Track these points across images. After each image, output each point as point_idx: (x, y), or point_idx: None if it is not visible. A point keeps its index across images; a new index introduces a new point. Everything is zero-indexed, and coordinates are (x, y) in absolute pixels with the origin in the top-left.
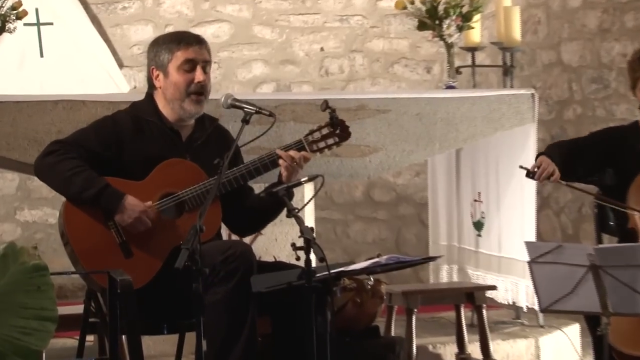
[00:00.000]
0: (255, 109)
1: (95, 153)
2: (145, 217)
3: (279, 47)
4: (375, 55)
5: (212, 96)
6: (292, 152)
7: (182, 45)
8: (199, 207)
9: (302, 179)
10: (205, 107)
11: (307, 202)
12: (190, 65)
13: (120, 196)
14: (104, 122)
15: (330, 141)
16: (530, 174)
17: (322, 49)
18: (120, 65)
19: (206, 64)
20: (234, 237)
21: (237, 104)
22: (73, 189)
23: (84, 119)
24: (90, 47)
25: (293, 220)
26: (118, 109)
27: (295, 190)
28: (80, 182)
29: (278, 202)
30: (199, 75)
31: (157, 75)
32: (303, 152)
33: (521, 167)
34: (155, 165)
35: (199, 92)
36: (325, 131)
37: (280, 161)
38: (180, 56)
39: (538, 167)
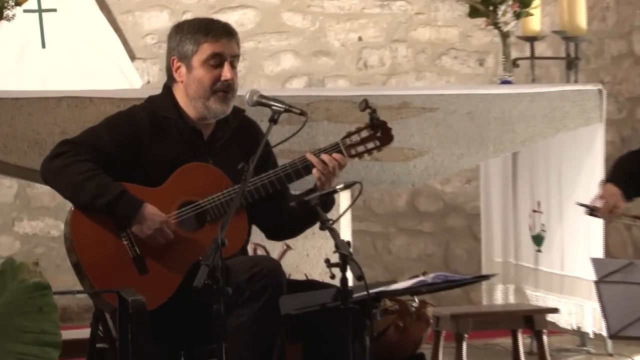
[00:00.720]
0: (284, 106)
1: (108, 155)
2: (167, 229)
3: (311, 36)
4: (421, 45)
5: (237, 92)
6: (325, 157)
7: (210, 37)
8: (222, 217)
9: (338, 187)
10: (232, 105)
11: (343, 213)
12: (217, 60)
13: (138, 204)
14: (119, 119)
15: (370, 145)
16: (590, 211)
17: (360, 39)
18: (132, 57)
19: (235, 59)
20: (260, 252)
21: (263, 101)
22: (85, 196)
23: (91, 117)
24: (98, 37)
25: (327, 233)
26: (130, 104)
27: (328, 200)
28: (93, 187)
29: (311, 212)
30: (226, 72)
31: (179, 68)
32: (338, 156)
33: (579, 204)
34: (174, 170)
35: (226, 89)
36: (364, 134)
37: (318, 164)
38: (206, 49)
39: (598, 203)
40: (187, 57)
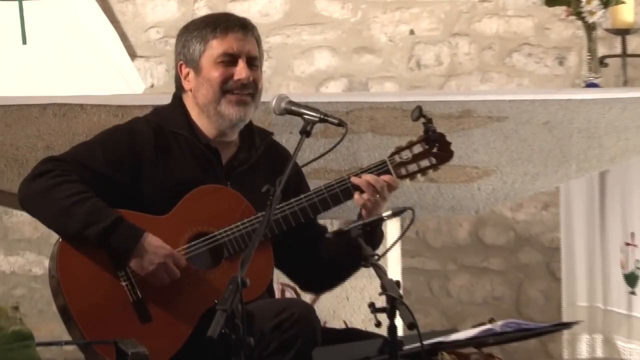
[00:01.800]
0: (319, 115)
1: (103, 176)
2: (173, 264)
3: (351, 29)
4: (487, 40)
5: (261, 98)
6: (370, 178)
7: (218, 31)
8: (242, 252)
9: (385, 214)
10: (252, 113)
11: (391, 246)
12: (229, 58)
13: (138, 234)
14: (117, 133)
15: (425, 163)
16: None
17: (412, 32)
18: (133, 55)
19: (254, 60)
20: (290, 294)
21: (293, 108)
22: (73, 224)
23: (83, 129)
24: (90, 31)
25: (371, 271)
26: (130, 116)
27: (374, 230)
28: (83, 213)
29: (351, 246)
30: (240, 70)
31: (187, 74)
32: (387, 177)
33: None
34: (183, 195)
35: (240, 90)
36: (417, 149)
37: (362, 182)
38: (215, 46)
39: None
40: (194, 59)
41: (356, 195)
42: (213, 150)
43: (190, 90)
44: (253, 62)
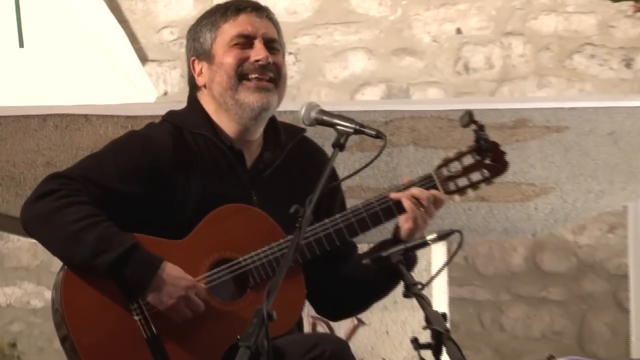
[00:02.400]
0: (353, 126)
1: (116, 193)
2: (195, 296)
3: (390, 28)
4: (544, 40)
5: (287, 106)
6: (416, 192)
7: (229, 13)
8: (269, 281)
9: (429, 237)
10: (276, 104)
11: (437, 273)
12: (244, 40)
13: (156, 263)
14: (130, 142)
15: (477, 176)
16: None
17: (458, 31)
18: (144, 59)
19: (271, 42)
20: (322, 328)
21: (325, 118)
22: (82, 252)
23: (87, 143)
24: (95, 32)
25: (413, 302)
26: (141, 123)
27: (418, 253)
28: (93, 240)
29: (390, 272)
30: (257, 51)
31: (200, 69)
32: (433, 192)
33: None
34: (206, 212)
35: (259, 73)
36: (467, 161)
37: (406, 201)
38: (228, 29)
39: None
40: (206, 50)
41: (401, 218)
42: (237, 152)
43: (205, 86)
44: (272, 45)
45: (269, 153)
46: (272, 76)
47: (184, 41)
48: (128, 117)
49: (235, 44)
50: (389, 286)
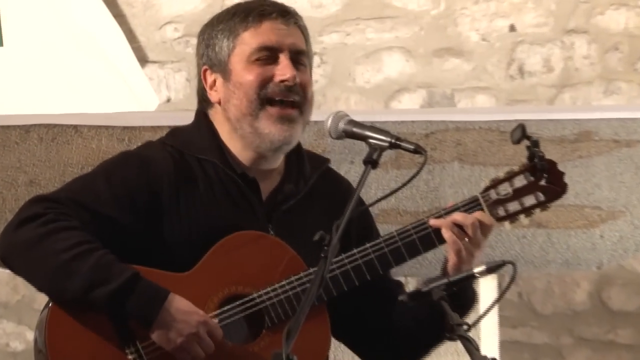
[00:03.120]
0: (389, 139)
1: (108, 220)
2: (207, 334)
3: (432, 24)
4: (612, 39)
5: (311, 116)
6: (458, 217)
7: (251, 20)
8: (288, 320)
9: (477, 270)
10: (300, 134)
11: (486, 312)
12: (267, 54)
13: (161, 296)
14: (125, 164)
15: (530, 200)
16: None
17: (512, 28)
18: (143, 60)
19: (299, 55)
20: None
21: (355, 130)
22: (74, 285)
23: (77, 158)
24: (87, 29)
25: (459, 345)
26: (140, 140)
27: (464, 289)
28: (87, 270)
29: (433, 311)
30: (283, 68)
31: (214, 82)
32: (479, 217)
33: None
34: (213, 244)
35: (285, 97)
36: (520, 182)
37: (446, 232)
38: (248, 40)
39: None
40: (221, 61)
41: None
42: (251, 181)
43: (219, 103)
44: (299, 59)
45: (290, 185)
46: (297, 99)
47: (190, 39)
48: (125, 128)
49: (257, 59)
50: (432, 329)
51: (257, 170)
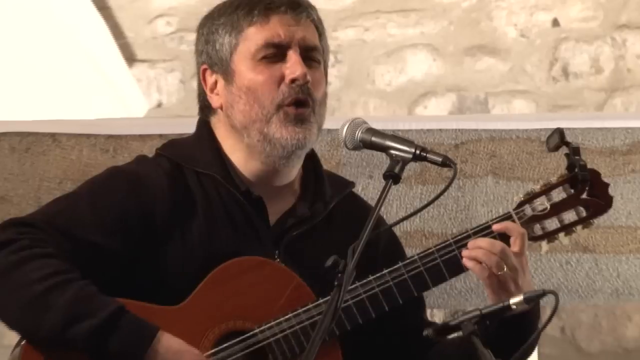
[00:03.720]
0: (413, 150)
1: (92, 247)
2: None
3: (463, 19)
4: None
5: (325, 123)
6: (483, 243)
7: (256, 13)
8: (295, 359)
9: (513, 301)
10: (315, 138)
11: (524, 349)
12: (274, 51)
13: (149, 333)
14: (112, 182)
15: (571, 216)
16: None
17: (555, 23)
18: (131, 59)
19: (312, 51)
20: None
21: (374, 140)
22: (50, 320)
23: (55, 172)
24: (67, 24)
25: None
26: (127, 152)
27: (499, 321)
28: (65, 304)
29: (465, 346)
30: (293, 65)
31: (214, 83)
32: (508, 226)
33: None
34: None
35: (298, 99)
36: (559, 195)
37: (468, 262)
38: (253, 35)
39: None
40: (223, 59)
41: (470, 266)
42: (255, 200)
43: (221, 108)
44: (311, 55)
45: (305, 207)
46: (308, 100)
47: (185, 35)
48: (109, 136)
49: (264, 57)
50: None
51: (266, 187)
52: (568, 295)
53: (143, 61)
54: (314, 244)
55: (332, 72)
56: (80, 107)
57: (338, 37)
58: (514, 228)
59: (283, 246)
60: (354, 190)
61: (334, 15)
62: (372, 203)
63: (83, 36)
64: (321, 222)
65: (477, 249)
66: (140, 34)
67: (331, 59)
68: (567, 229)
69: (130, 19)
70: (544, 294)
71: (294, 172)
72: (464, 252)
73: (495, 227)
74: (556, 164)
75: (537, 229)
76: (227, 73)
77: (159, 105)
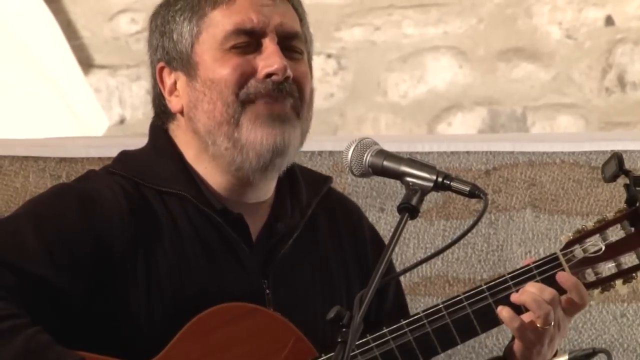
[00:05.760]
0: (434, 177)
1: (38, 282)
2: None
3: (496, 15)
4: None
5: (324, 145)
6: (533, 289)
7: None
8: None
9: None
10: (299, 143)
11: None
12: (246, 40)
13: None
14: (62, 202)
15: (630, 259)
16: None
17: (609, 22)
18: (87, 64)
19: (291, 39)
20: None
21: (386, 164)
22: None
23: None
24: (8, 25)
25: None
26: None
27: None
28: (12, 356)
29: None
30: (269, 57)
31: (174, 84)
32: (565, 278)
33: None
34: (190, 315)
35: (272, 92)
36: (615, 234)
37: (504, 312)
38: (219, 20)
39: None
40: (182, 52)
41: (507, 319)
42: (235, 219)
43: (181, 113)
44: (292, 45)
45: (285, 219)
46: (289, 95)
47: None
48: (62, 160)
49: (233, 47)
50: None
51: (240, 205)
52: (624, 354)
53: (102, 67)
54: (302, 261)
55: (335, 81)
56: (25, 125)
57: (342, 38)
58: (567, 280)
59: (272, 274)
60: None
61: (337, 11)
62: (385, 241)
63: (28, 36)
64: (304, 232)
65: (526, 293)
66: (99, 33)
67: (334, 64)
68: (626, 274)
69: (87, 15)
70: (594, 353)
71: (272, 185)
72: (513, 296)
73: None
74: (610, 195)
75: (590, 274)
76: (189, 67)
77: (122, 121)
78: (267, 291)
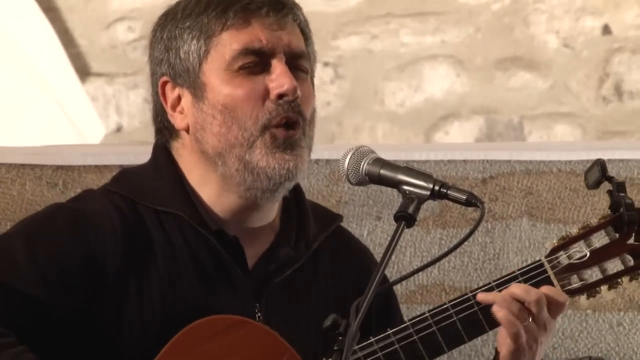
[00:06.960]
0: (431, 186)
1: (29, 302)
2: None
3: (494, 24)
4: None
5: (321, 153)
6: (518, 290)
7: (232, 17)
8: None
9: None
10: (306, 165)
11: None
12: (255, 60)
13: None
14: (56, 222)
15: (615, 265)
16: None
17: (606, 30)
18: (85, 72)
19: (299, 58)
20: None
21: (384, 173)
22: None
23: None
24: (6, 32)
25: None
26: (80, 186)
27: None
28: None
29: None
30: (279, 77)
31: (178, 99)
32: (545, 291)
33: None
34: (178, 332)
35: (286, 118)
36: (600, 240)
37: (498, 313)
38: (228, 41)
39: None
40: (189, 70)
41: (499, 334)
42: (230, 242)
43: (187, 131)
44: (299, 64)
45: (289, 247)
46: (299, 120)
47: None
48: (58, 167)
49: (241, 67)
50: None
51: (240, 227)
52: None
53: (99, 75)
54: (298, 292)
55: (332, 90)
56: (22, 132)
57: (339, 47)
58: (554, 296)
59: (265, 298)
60: (347, 226)
61: (335, 20)
62: (381, 250)
63: (25, 44)
64: (307, 265)
65: (509, 300)
66: (96, 42)
67: (331, 73)
68: (611, 280)
69: (84, 24)
70: None
71: (275, 209)
72: (494, 297)
73: (548, 290)
74: (606, 204)
75: (575, 280)
76: (196, 87)
77: (119, 129)
78: (259, 314)
